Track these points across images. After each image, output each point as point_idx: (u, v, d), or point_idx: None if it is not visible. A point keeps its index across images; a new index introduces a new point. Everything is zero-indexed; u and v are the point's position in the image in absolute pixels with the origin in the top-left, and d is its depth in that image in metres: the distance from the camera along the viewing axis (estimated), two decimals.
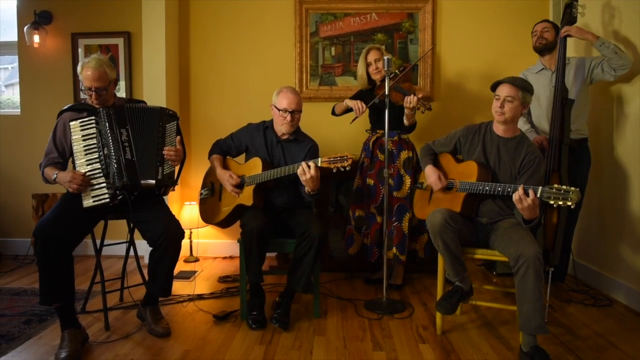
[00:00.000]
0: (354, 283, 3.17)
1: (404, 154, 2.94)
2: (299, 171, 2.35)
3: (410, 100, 2.67)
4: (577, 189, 1.88)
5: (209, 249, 3.86)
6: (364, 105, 2.80)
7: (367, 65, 2.95)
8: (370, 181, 3.00)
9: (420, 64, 3.68)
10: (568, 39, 2.69)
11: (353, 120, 2.88)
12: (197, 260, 3.74)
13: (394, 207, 2.91)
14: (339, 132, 3.69)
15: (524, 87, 2.19)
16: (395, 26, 3.68)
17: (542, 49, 2.83)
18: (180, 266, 3.59)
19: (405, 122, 2.85)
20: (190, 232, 3.70)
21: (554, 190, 1.92)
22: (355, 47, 3.70)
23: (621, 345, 2.24)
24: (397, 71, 2.70)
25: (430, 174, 2.38)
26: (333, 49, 3.72)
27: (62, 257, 2.17)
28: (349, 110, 2.96)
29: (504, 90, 2.18)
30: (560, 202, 1.89)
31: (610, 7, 2.95)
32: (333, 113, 3.12)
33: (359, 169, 3.06)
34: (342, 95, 3.63)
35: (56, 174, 2.29)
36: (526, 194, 1.97)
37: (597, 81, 2.80)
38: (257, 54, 3.78)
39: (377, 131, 2.99)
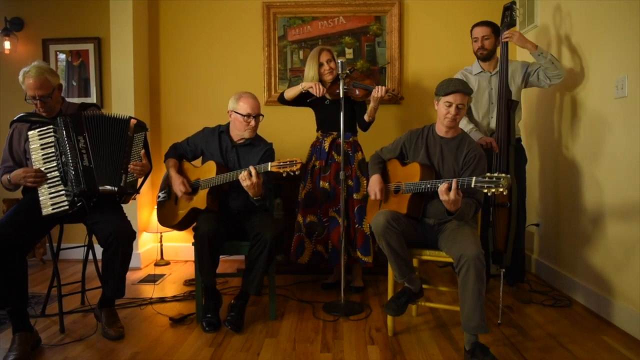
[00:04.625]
0: (319, 286, 3.17)
1: (359, 156, 2.95)
2: (240, 177, 2.37)
3: (378, 90, 2.69)
4: (508, 175, 1.92)
5: (180, 252, 3.88)
6: (323, 87, 2.81)
7: (320, 65, 2.90)
8: (326, 184, 2.95)
9: (388, 67, 3.70)
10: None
11: (310, 100, 2.89)
12: (167, 263, 3.77)
13: (355, 209, 2.91)
14: (308, 134, 3.71)
15: (470, 92, 2.26)
16: (362, 29, 3.71)
17: (484, 58, 2.88)
18: (150, 269, 3.62)
19: (367, 117, 2.84)
20: (161, 236, 3.72)
21: (486, 179, 1.95)
22: None
23: (569, 346, 2.24)
24: (347, 71, 2.71)
25: (373, 184, 2.41)
26: (301, 52, 3.74)
27: (15, 260, 2.18)
28: (301, 96, 2.91)
29: (457, 99, 2.20)
30: (493, 189, 1.92)
31: (561, 11, 2.98)
32: (282, 100, 3.02)
33: (309, 173, 3.01)
34: None
35: (9, 176, 2.31)
36: (449, 188, 2.02)
37: (531, 86, 2.90)
38: (226, 58, 3.81)
39: (332, 133, 2.96)
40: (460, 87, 2.22)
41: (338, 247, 2.89)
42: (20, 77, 2.31)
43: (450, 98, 2.23)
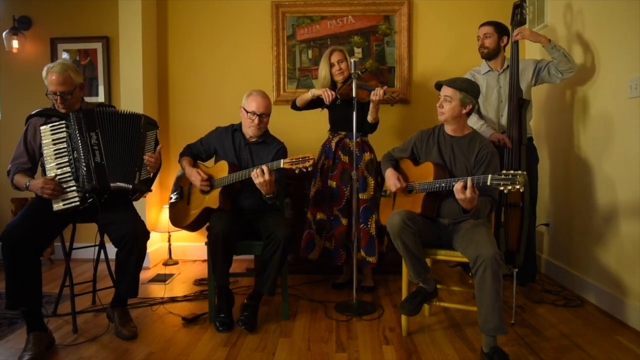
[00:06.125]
0: (329, 285, 3.16)
1: (367, 156, 2.95)
2: (253, 174, 2.37)
3: (376, 93, 2.70)
4: (524, 172, 1.91)
5: (188, 252, 3.87)
6: (333, 93, 2.80)
7: (331, 66, 2.92)
8: (333, 183, 2.96)
9: (396, 67, 3.69)
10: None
11: (323, 109, 2.90)
12: (176, 263, 3.76)
13: (360, 209, 2.89)
14: (317, 134, 3.71)
15: (462, 89, 2.23)
16: (371, 29, 3.70)
17: (488, 57, 2.88)
18: (158, 269, 3.61)
19: (369, 118, 2.85)
20: (169, 235, 3.71)
21: (502, 176, 1.93)
22: None
23: (585, 346, 2.24)
24: (359, 72, 2.70)
25: (389, 177, 2.41)
26: (310, 51, 3.74)
27: (28, 260, 2.18)
28: (312, 102, 2.94)
29: (443, 91, 2.28)
30: (510, 187, 1.90)
31: (572, 9, 2.98)
32: (294, 107, 3.05)
33: (319, 171, 3.02)
34: None
35: (28, 182, 2.30)
36: (465, 186, 2.00)
37: (541, 83, 2.89)
38: (235, 58, 3.80)
39: (340, 132, 2.98)
40: (448, 81, 2.28)
41: (338, 245, 2.91)
42: (44, 73, 2.33)
43: (440, 91, 2.31)
